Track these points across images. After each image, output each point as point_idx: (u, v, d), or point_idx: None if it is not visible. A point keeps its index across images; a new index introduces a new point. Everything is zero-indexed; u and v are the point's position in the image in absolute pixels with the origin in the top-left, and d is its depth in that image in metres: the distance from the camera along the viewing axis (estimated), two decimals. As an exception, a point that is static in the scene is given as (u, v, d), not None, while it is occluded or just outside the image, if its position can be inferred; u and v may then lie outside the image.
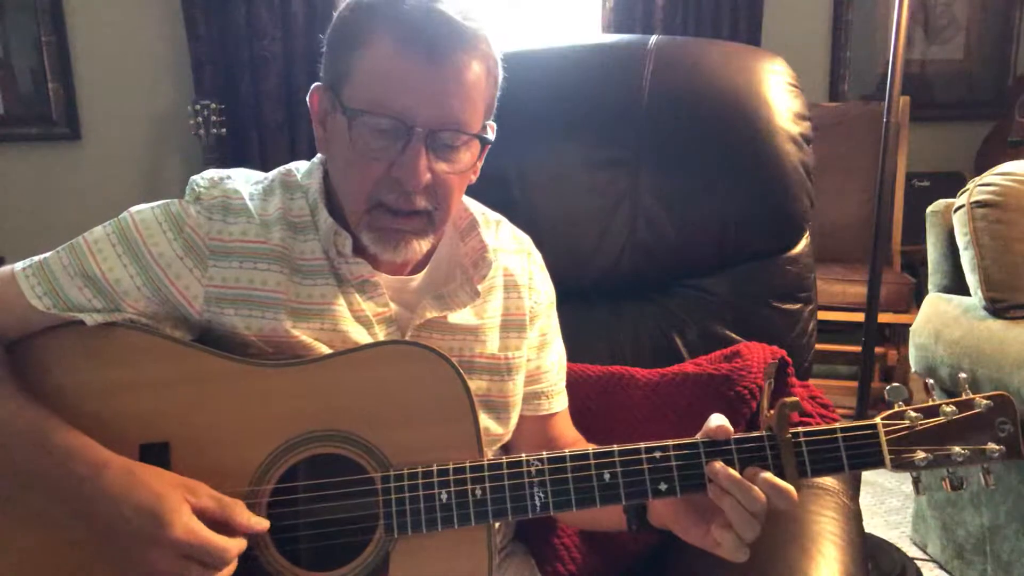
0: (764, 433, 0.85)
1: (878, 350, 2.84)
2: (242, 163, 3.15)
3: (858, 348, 2.10)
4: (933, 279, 2.11)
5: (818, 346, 1.41)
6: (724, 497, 0.82)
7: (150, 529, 0.79)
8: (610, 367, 1.26)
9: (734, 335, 1.32)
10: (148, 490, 0.80)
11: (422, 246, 0.93)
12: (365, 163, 0.87)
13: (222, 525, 0.82)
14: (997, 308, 1.83)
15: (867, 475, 2.54)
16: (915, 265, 3.17)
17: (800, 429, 0.85)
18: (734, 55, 1.40)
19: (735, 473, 0.82)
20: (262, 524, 0.84)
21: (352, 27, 0.88)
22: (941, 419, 0.85)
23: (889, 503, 2.46)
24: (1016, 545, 1.81)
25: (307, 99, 0.94)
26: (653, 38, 1.40)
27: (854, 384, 2.25)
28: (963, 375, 0.90)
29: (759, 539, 0.82)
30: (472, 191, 1.11)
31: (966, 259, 1.89)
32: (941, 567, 2.07)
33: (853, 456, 0.84)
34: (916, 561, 2.07)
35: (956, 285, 2.02)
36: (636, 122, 1.33)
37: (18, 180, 3.22)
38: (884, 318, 2.70)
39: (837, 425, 0.85)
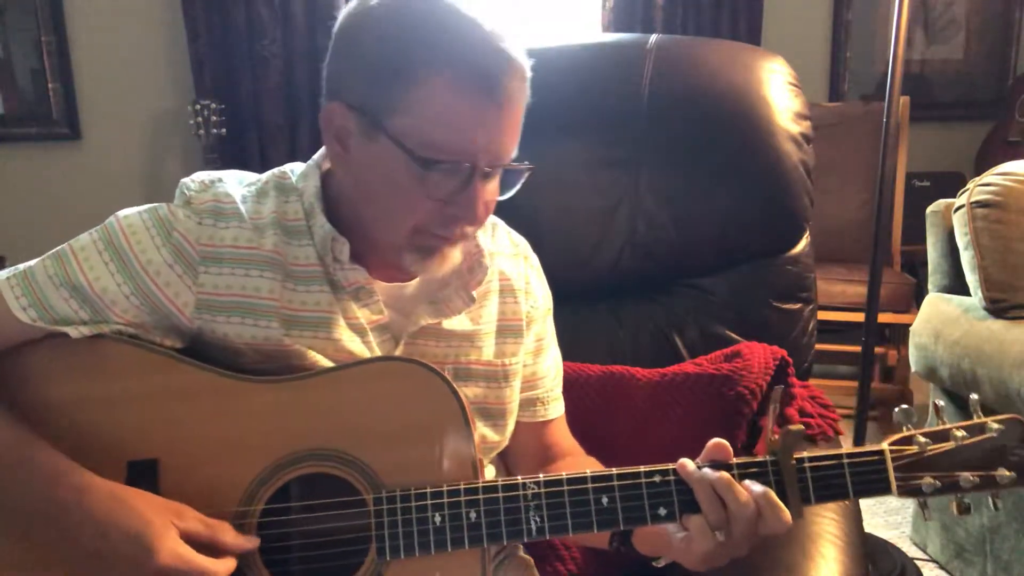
0: (768, 458, 0.82)
1: (878, 350, 2.83)
2: (242, 163, 3.15)
3: (858, 348, 2.10)
4: (933, 279, 2.11)
5: (818, 346, 1.42)
6: (694, 483, 0.81)
7: (137, 555, 0.77)
8: (610, 367, 1.26)
9: (734, 335, 1.32)
10: (134, 515, 0.79)
11: (457, 256, 0.92)
12: (415, 198, 0.84)
13: (210, 548, 0.81)
14: (997, 308, 1.82)
15: (867, 475, 2.53)
16: (915, 265, 3.17)
17: (805, 455, 0.82)
18: (734, 55, 1.40)
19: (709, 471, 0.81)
20: (251, 542, 0.83)
21: (402, 57, 0.81)
22: (951, 444, 0.81)
23: (889, 503, 2.46)
24: (1016, 545, 1.80)
25: (322, 115, 0.87)
26: (653, 37, 1.40)
27: (854, 384, 2.25)
28: (974, 396, 0.84)
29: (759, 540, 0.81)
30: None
31: (966, 259, 1.89)
32: (941, 567, 2.07)
33: (859, 483, 0.81)
34: (916, 561, 2.07)
35: (956, 285, 2.01)
36: (636, 122, 1.33)
37: (18, 180, 3.22)
38: (884, 318, 2.69)
39: (843, 451, 0.82)
